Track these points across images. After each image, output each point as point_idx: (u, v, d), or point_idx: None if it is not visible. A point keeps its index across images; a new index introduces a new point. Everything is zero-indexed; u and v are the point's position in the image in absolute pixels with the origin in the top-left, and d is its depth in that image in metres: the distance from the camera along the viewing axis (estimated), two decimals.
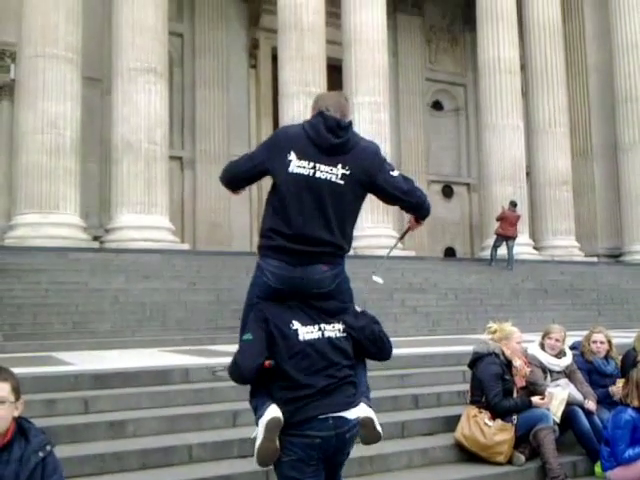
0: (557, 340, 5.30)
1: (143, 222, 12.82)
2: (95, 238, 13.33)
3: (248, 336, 2.65)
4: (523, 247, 16.62)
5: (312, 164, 2.70)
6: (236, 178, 2.90)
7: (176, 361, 5.80)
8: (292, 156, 2.70)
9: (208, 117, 18.33)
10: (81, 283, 10.03)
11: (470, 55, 22.75)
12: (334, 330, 2.71)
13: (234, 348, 2.84)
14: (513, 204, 15.52)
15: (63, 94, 12.55)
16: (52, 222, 12.20)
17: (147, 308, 9.40)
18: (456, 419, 4.67)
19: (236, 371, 2.66)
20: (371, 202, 12.62)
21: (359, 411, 2.67)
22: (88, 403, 4.10)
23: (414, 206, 2.92)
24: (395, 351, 6.53)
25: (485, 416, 4.50)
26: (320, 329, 2.68)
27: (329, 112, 2.78)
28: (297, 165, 2.69)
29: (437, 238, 21.74)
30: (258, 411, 2.64)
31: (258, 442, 2.58)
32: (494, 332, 4.95)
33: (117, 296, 9.70)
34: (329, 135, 2.72)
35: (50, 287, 9.60)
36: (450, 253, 21.98)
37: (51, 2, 12.63)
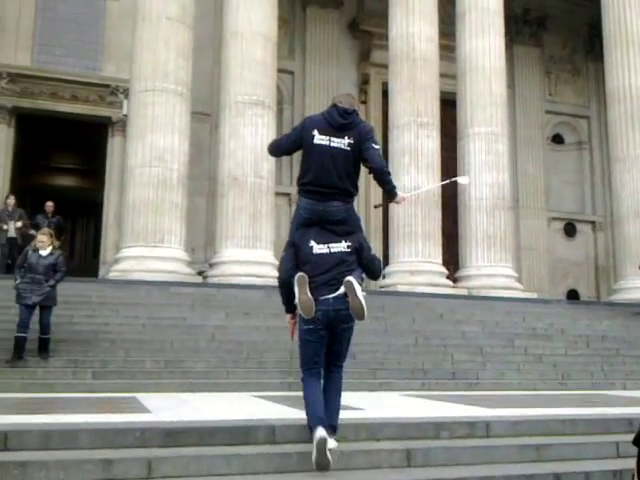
0: None
1: (247, 257, 12.39)
2: (200, 273, 13.04)
3: (284, 254, 4.13)
4: None
5: (328, 137, 4.07)
6: (280, 151, 4.48)
7: (265, 412, 5.05)
8: (315, 132, 4.09)
9: None
10: (179, 318, 9.61)
11: (594, 85, 21.45)
12: (339, 247, 4.00)
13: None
14: None
15: (171, 127, 12.46)
16: (156, 256, 11.99)
17: (245, 347, 8.78)
18: None
19: (278, 274, 4.17)
20: (487, 239, 11.51)
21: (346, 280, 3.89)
22: (152, 466, 3.38)
23: (378, 171, 4.14)
24: (526, 411, 5.37)
25: None
26: (328, 247, 3.99)
27: (341, 104, 4.14)
28: (319, 138, 4.07)
29: (558, 280, 20.17)
30: (292, 283, 3.93)
31: (297, 299, 3.86)
32: None
33: (214, 333, 9.18)
34: (339, 118, 4.10)
35: (147, 322, 9.22)
36: (573, 296, 20.22)
37: (162, 39, 12.69)
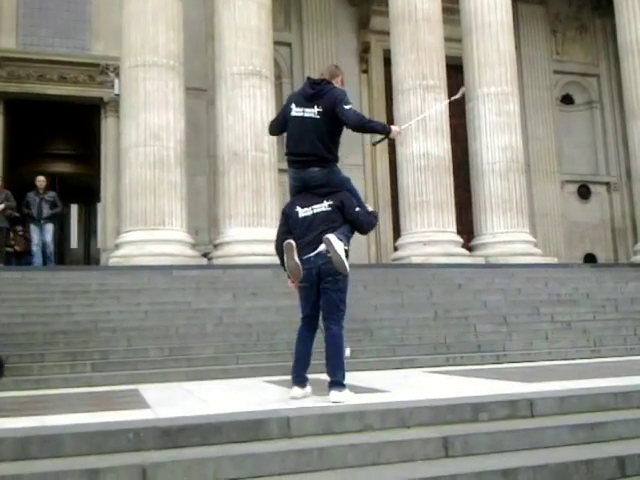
0: None
1: (252, 235, 11.82)
2: (205, 255, 12.51)
3: (279, 222, 4.68)
4: None
5: (302, 109, 4.53)
6: (275, 129, 4.87)
7: (278, 401, 4.52)
8: (292, 106, 4.59)
9: None
10: (183, 303, 9.09)
11: (602, 42, 20.65)
12: (321, 207, 4.41)
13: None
14: None
15: (165, 103, 11.84)
16: (157, 239, 11.45)
17: (254, 330, 8.27)
18: None
19: (275, 240, 4.62)
20: (503, 204, 10.85)
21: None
22: (147, 473, 2.86)
23: (354, 126, 4.43)
24: (569, 384, 4.75)
25: None
26: (312, 209, 4.42)
27: (322, 75, 4.67)
28: (295, 111, 4.55)
29: (574, 244, 19.53)
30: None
31: (285, 264, 4.35)
32: None
33: (222, 316, 8.67)
34: (309, 89, 4.55)
35: (150, 308, 8.70)
36: (590, 260, 19.62)
37: (150, 12, 12.04)
